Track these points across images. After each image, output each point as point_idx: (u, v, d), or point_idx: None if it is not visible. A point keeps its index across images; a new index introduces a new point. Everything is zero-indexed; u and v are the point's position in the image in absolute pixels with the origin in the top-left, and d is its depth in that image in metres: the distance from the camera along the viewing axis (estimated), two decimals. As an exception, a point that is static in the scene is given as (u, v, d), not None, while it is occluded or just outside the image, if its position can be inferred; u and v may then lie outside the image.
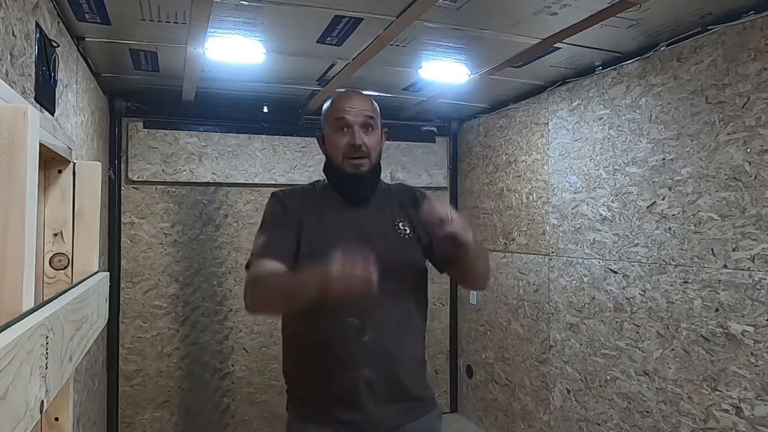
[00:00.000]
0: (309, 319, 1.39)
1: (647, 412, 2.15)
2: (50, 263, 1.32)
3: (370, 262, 1.12)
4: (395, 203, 1.53)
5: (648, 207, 2.17)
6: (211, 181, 3.21)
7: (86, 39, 2.06)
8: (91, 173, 1.40)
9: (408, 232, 1.48)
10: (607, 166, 2.39)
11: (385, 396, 1.38)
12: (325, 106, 1.50)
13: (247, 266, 1.38)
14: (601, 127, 2.43)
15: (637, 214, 2.22)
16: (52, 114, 1.54)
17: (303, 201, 1.47)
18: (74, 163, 1.38)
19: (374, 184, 1.50)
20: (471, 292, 3.47)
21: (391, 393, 1.39)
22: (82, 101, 2.13)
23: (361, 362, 1.36)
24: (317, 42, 2.14)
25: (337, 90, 1.53)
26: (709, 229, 1.91)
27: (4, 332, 0.64)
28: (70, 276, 1.34)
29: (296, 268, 1.34)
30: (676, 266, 2.04)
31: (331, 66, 2.47)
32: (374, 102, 1.49)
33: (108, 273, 1.56)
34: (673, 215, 2.05)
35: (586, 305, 2.50)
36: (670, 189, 2.07)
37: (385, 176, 3.46)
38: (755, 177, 1.76)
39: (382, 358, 1.38)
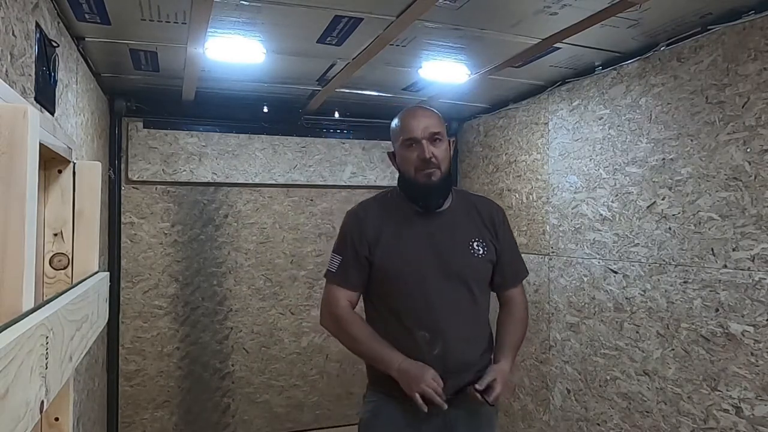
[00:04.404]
0: (385, 327, 1.53)
1: (647, 412, 2.15)
2: (50, 263, 1.32)
3: (441, 394, 1.39)
4: (475, 220, 1.63)
5: (648, 207, 2.17)
6: (211, 181, 3.21)
7: (86, 39, 2.06)
8: (91, 173, 1.40)
9: (481, 253, 1.58)
10: (607, 166, 2.39)
11: (455, 404, 1.48)
12: (393, 124, 1.61)
13: (325, 275, 1.62)
14: (601, 127, 2.43)
15: (637, 214, 2.22)
16: (52, 114, 1.54)
17: (379, 213, 1.60)
18: (74, 163, 1.38)
19: (446, 192, 1.59)
20: None
21: (462, 400, 1.50)
22: (82, 101, 2.12)
23: None
24: (317, 42, 2.14)
25: (407, 107, 1.68)
26: (709, 229, 1.91)
27: (4, 332, 0.64)
28: (70, 276, 1.34)
29: (371, 279, 1.56)
30: (676, 266, 2.04)
31: (331, 66, 2.47)
32: (438, 115, 1.59)
33: (108, 273, 1.55)
34: (673, 215, 2.05)
35: (586, 305, 2.50)
36: (670, 189, 2.07)
37: (386, 177, 3.49)
38: (755, 177, 1.76)
39: (452, 372, 1.47)
